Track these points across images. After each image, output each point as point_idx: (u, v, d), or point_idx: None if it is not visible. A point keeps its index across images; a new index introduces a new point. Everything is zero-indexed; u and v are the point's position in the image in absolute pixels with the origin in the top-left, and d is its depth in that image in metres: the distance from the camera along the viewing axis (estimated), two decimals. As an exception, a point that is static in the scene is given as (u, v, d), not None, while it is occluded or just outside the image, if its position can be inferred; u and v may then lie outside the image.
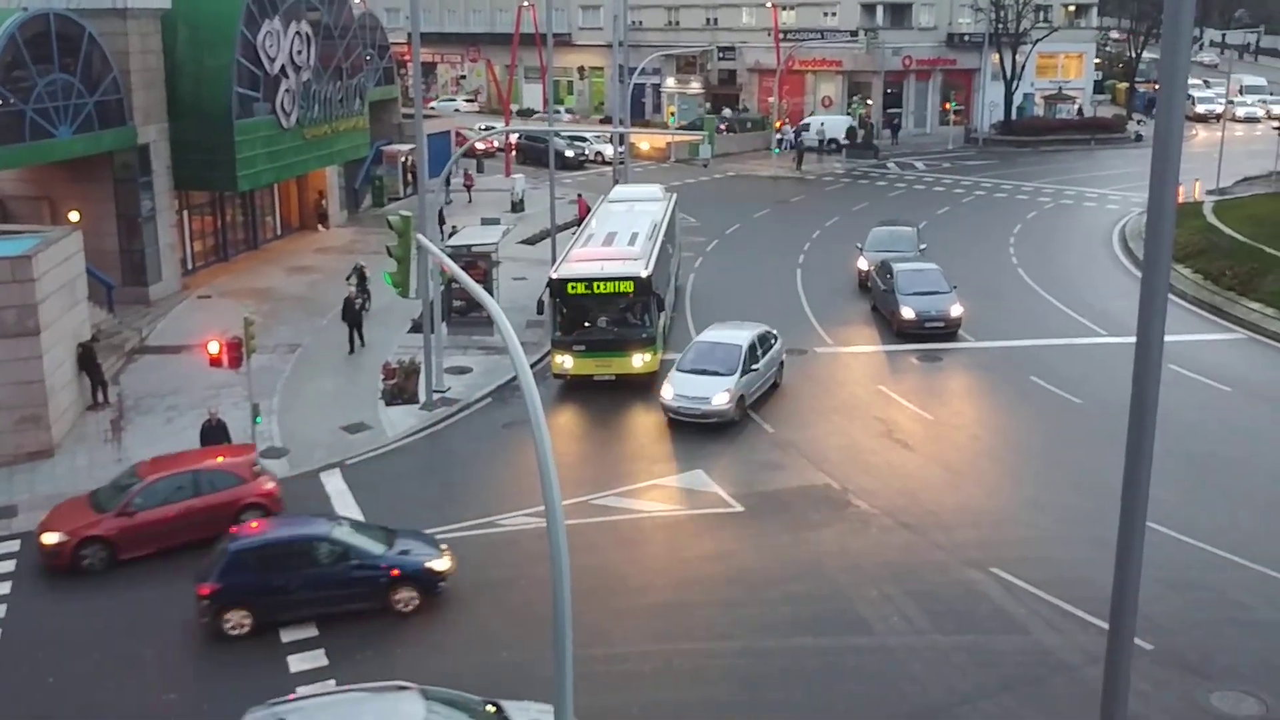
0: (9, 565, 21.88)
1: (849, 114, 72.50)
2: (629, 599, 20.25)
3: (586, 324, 29.76)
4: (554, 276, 29.80)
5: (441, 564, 20.04)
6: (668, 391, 27.70)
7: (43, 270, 26.36)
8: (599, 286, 29.32)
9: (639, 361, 29.50)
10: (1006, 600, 19.85)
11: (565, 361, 29.52)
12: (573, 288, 29.31)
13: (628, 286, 29.30)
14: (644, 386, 29.63)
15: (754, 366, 28.32)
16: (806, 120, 70.97)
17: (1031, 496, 24.02)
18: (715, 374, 27.57)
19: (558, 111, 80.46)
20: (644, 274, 29.36)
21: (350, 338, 33.00)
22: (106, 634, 19.54)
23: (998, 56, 72.52)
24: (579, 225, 43.93)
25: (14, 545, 22.61)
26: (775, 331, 30.36)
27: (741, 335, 28.96)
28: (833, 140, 68.85)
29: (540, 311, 32.02)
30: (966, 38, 74.31)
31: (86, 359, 28.70)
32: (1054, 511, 23.23)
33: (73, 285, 28.81)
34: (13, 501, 24.35)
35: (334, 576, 19.43)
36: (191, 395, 29.54)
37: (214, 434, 24.78)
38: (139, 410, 29.05)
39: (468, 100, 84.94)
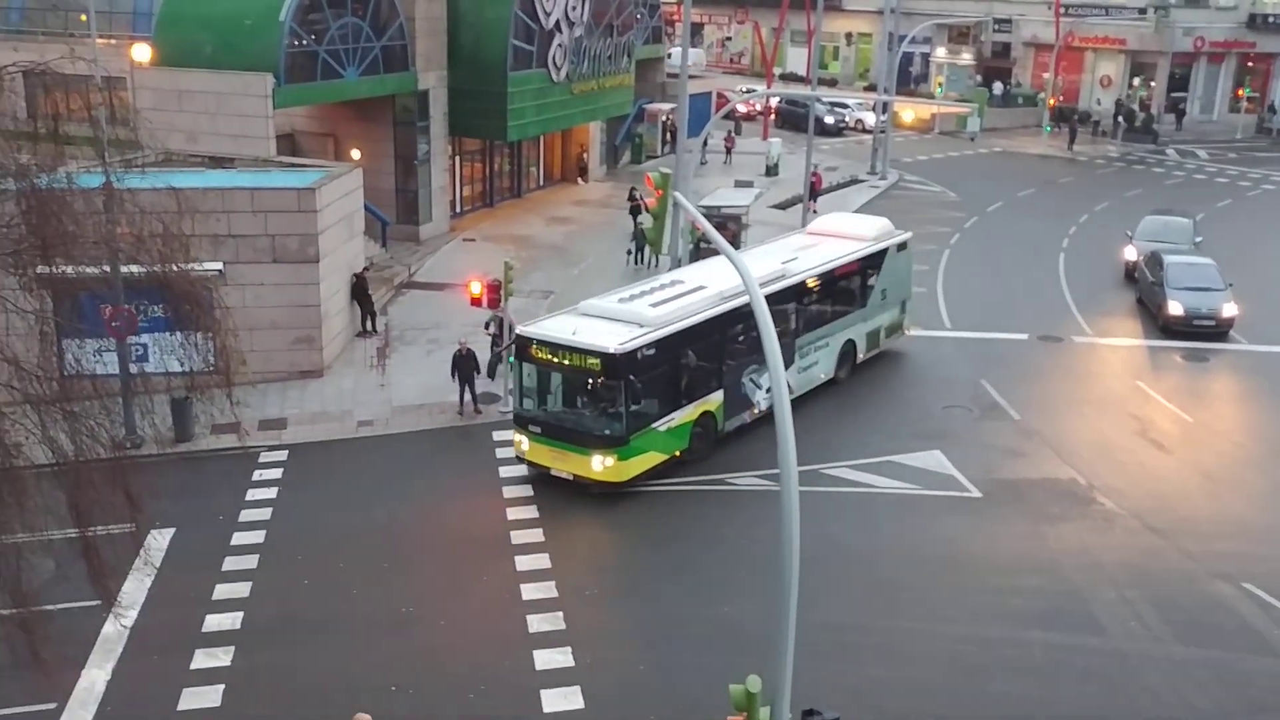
0: (276, 473, 23.64)
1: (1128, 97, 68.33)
2: (853, 571, 20.16)
3: (549, 403, 23.29)
4: (520, 332, 23.55)
5: None
6: None
7: (325, 203, 28.13)
8: (564, 357, 22.40)
9: (599, 465, 22.24)
10: (1259, 618, 18.74)
11: (522, 442, 23.29)
12: (538, 351, 22.74)
13: (594, 364, 22.09)
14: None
15: None
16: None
17: (1297, 513, 22.51)
18: None
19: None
20: (614, 350, 21.88)
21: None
22: (359, 541, 20.88)
23: (1306, 40, 67.18)
24: (813, 197, 43.30)
25: (282, 455, 24.43)
26: None
27: None
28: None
29: (491, 375, 27.11)
30: (1271, 19, 68.96)
31: (359, 289, 30.57)
32: (1322, 532, 21.71)
33: (351, 219, 30.63)
34: (284, 414, 26.30)
35: None
36: (451, 330, 30.88)
37: (464, 363, 26.19)
38: (403, 340, 30.74)
39: None
